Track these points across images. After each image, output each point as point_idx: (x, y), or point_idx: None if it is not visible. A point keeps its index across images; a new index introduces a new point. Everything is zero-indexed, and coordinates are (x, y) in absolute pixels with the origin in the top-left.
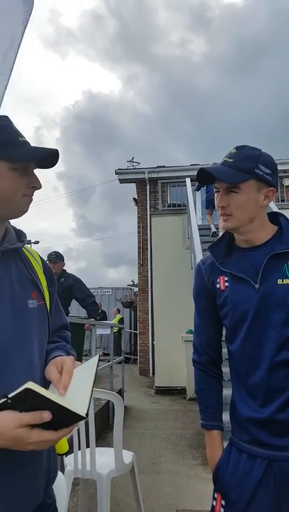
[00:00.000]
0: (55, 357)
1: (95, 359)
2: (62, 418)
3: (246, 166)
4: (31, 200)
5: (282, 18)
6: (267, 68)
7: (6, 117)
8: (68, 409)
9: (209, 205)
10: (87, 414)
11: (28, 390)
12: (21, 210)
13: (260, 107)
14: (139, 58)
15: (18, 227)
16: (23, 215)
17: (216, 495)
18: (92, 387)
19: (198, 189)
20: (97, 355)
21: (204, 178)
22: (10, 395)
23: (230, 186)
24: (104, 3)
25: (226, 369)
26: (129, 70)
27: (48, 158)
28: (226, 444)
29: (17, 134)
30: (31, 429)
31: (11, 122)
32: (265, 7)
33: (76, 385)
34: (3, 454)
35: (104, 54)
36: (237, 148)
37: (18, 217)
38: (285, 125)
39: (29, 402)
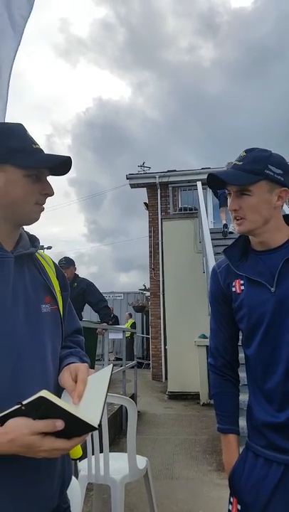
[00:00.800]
0: (70, 363)
1: (108, 368)
2: (75, 427)
3: (256, 167)
4: (43, 208)
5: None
6: (276, 72)
7: (21, 125)
8: (81, 419)
9: (225, 202)
10: (99, 425)
11: (41, 398)
12: (32, 218)
13: (270, 111)
14: (149, 65)
15: (31, 233)
16: (39, 220)
17: (231, 499)
18: (106, 397)
19: (215, 193)
20: (111, 365)
21: (214, 182)
22: (24, 402)
23: (241, 189)
24: (113, 11)
25: (242, 374)
26: (138, 76)
27: (61, 165)
28: (242, 449)
29: (31, 141)
30: (44, 436)
31: (26, 130)
32: (273, 11)
33: (90, 394)
34: (18, 458)
35: (114, 62)
36: (246, 151)
37: (29, 224)
38: None
39: (42, 409)
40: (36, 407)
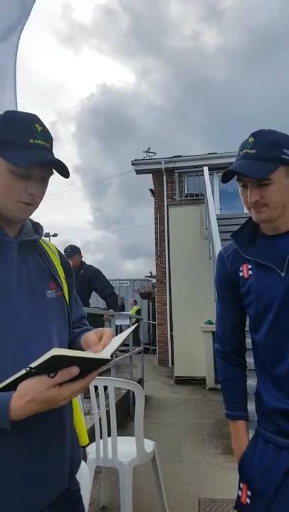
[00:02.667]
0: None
1: (132, 327)
2: (89, 367)
3: (271, 154)
4: (27, 209)
5: None
6: (281, 59)
7: (32, 116)
8: (93, 358)
9: None
10: (112, 356)
11: (54, 357)
12: (15, 216)
13: (275, 97)
14: (153, 51)
15: (35, 220)
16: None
17: (241, 485)
18: (123, 340)
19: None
20: (136, 324)
21: (228, 175)
22: (33, 365)
23: (260, 179)
24: None
25: (249, 359)
26: (142, 63)
27: (57, 167)
28: (250, 433)
29: (30, 135)
30: (60, 386)
31: (34, 122)
32: None
33: (111, 345)
34: (28, 440)
35: (117, 48)
36: (254, 135)
37: (14, 221)
38: None
39: (58, 366)
40: (51, 366)
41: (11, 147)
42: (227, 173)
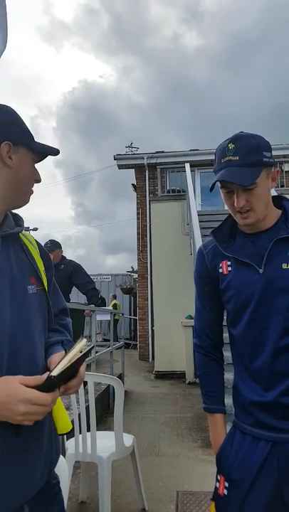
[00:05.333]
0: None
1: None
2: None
3: (254, 159)
4: (33, 191)
5: (273, 12)
6: (259, 63)
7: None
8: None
9: None
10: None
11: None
12: (27, 200)
13: (253, 99)
14: (134, 51)
15: (14, 212)
16: None
17: (219, 476)
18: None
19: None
20: (84, 340)
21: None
22: (54, 374)
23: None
24: None
25: (226, 353)
26: (124, 62)
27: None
28: (228, 427)
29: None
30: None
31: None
32: (256, 3)
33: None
34: (5, 437)
35: (99, 46)
36: (233, 141)
37: (22, 206)
38: (277, 113)
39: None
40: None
41: (31, 139)
42: (221, 183)
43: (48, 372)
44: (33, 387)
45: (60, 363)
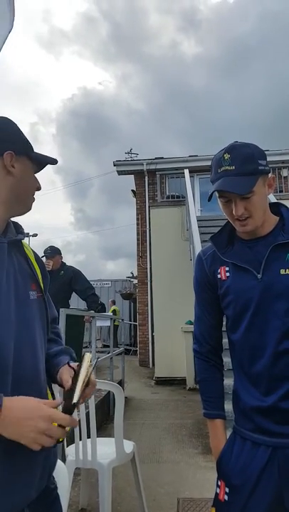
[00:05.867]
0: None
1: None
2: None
3: (250, 168)
4: (34, 199)
5: (270, 20)
6: (256, 69)
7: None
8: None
9: None
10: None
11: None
12: (29, 208)
13: (251, 106)
14: (132, 59)
15: (13, 220)
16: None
17: (219, 482)
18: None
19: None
20: (88, 354)
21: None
22: (75, 401)
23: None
24: (95, 5)
25: (226, 359)
26: (122, 69)
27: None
28: (228, 433)
29: (27, 139)
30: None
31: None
32: (253, 10)
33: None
34: (6, 444)
35: (97, 54)
36: (228, 151)
37: (24, 213)
38: (275, 118)
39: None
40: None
41: (32, 150)
42: (218, 192)
43: (60, 398)
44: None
45: (76, 386)
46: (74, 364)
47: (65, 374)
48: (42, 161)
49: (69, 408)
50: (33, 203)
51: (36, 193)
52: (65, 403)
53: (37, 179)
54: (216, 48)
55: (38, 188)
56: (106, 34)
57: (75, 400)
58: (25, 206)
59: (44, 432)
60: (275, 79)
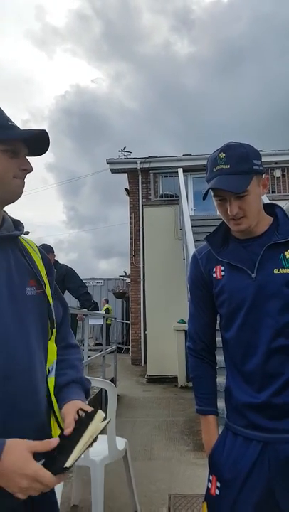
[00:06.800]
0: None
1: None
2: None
3: (245, 167)
4: (24, 183)
5: (263, 21)
6: (249, 72)
7: None
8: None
9: None
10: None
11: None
12: (14, 192)
13: (244, 105)
14: (125, 58)
15: (15, 218)
16: (14, 204)
17: (211, 477)
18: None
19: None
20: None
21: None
22: (68, 465)
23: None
24: (88, 3)
25: (219, 357)
26: (115, 68)
27: (39, 142)
28: (220, 430)
29: (6, 118)
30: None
31: (1, 108)
32: (246, 12)
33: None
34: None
35: (91, 53)
36: (224, 151)
37: (12, 200)
38: (268, 119)
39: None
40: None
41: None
42: (207, 192)
43: (57, 438)
44: (42, 453)
45: (76, 445)
46: (84, 407)
47: (70, 415)
48: (11, 138)
49: (59, 469)
50: (25, 201)
51: (28, 191)
52: (57, 461)
53: (25, 161)
54: (208, 49)
55: (27, 170)
56: (99, 32)
57: (68, 465)
58: (6, 192)
59: (27, 490)
60: (267, 80)
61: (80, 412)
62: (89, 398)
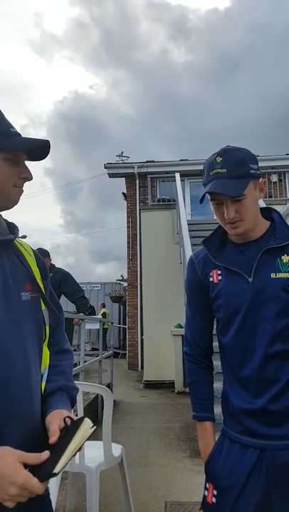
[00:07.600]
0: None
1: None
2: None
3: (242, 171)
4: (22, 191)
5: (259, 30)
6: (245, 79)
7: None
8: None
9: None
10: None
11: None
12: (12, 201)
13: (240, 112)
14: (123, 65)
15: (9, 221)
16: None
17: (207, 485)
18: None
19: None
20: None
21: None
22: (57, 471)
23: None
24: (87, 11)
25: (216, 362)
26: (113, 75)
27: (39, 149)
28: (217, 436)
29: (8, 124)
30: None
31: (2, 113)
32: (242, 21)
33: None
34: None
35: (89, 60)
36: (220, 155)
37: (8, 208)
38: (264, 125)
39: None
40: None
41: (0, 138)
42: (203, 196)
43: (47, 452)
44: (31, 465)
45: (63, 453)
46: (70, 416)
47: (55, 423)
48: (15, 149)
49: (47, 476)
50: (23, 205)
51: (25, 195)
52: (44, 466)
53: (25, 169)
54: (205, 57)
55: (27, 179)
56: (97, 40)
57: (56, 470)
58: (5, 199)
59: (14, 498)
60: (263, 87)
61: (67, 419)
62: (76, 405)
